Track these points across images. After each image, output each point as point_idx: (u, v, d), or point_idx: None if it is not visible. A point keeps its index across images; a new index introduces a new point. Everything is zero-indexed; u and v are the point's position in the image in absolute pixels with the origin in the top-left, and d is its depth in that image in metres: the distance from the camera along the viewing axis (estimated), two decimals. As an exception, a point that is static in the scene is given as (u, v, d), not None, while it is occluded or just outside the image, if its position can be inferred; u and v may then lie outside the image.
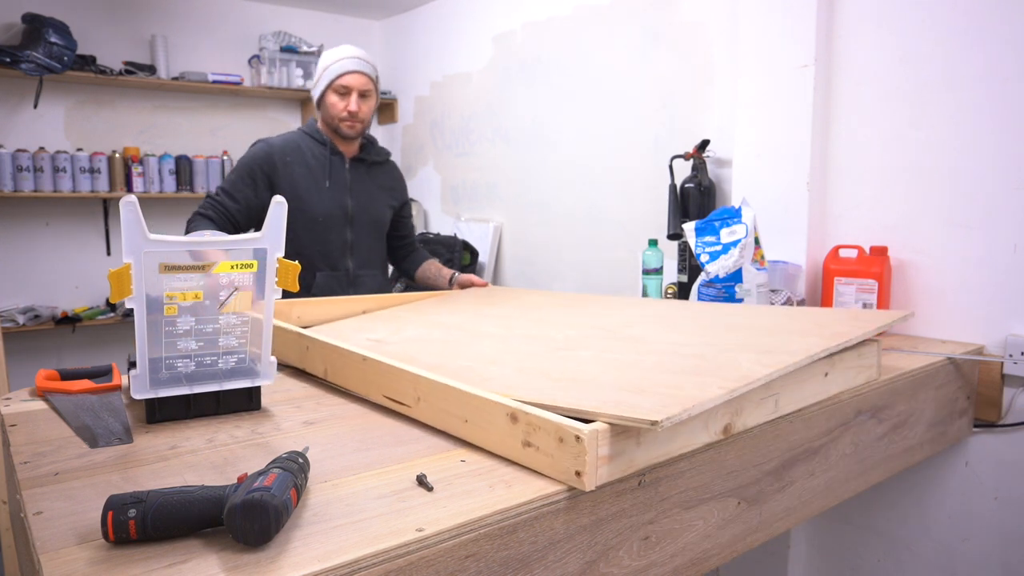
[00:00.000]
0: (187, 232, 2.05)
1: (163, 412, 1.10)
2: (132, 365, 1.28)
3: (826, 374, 1.23)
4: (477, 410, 0.98)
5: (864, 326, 1.27)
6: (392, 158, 2.42)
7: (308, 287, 2.17)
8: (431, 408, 1.07)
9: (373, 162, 2.29)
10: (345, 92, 2.12)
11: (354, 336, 1.52)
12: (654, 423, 0.82)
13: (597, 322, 1.51)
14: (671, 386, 0.98)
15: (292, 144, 2.17)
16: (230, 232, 2.08)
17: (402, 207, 2.40)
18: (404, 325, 1.65)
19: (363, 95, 2.15)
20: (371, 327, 1.65)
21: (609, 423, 0.86)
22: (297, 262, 1.10)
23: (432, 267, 2.38)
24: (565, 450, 0.85)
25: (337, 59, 2.13)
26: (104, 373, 1.31)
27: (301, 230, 2.13)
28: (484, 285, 2.19)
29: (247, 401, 1.17)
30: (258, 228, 1.05)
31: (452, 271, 2.32)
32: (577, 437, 0.83)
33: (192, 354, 1.06)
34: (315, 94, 2.19)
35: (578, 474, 0.84)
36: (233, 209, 2.11)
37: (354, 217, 2.24)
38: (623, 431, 0.87)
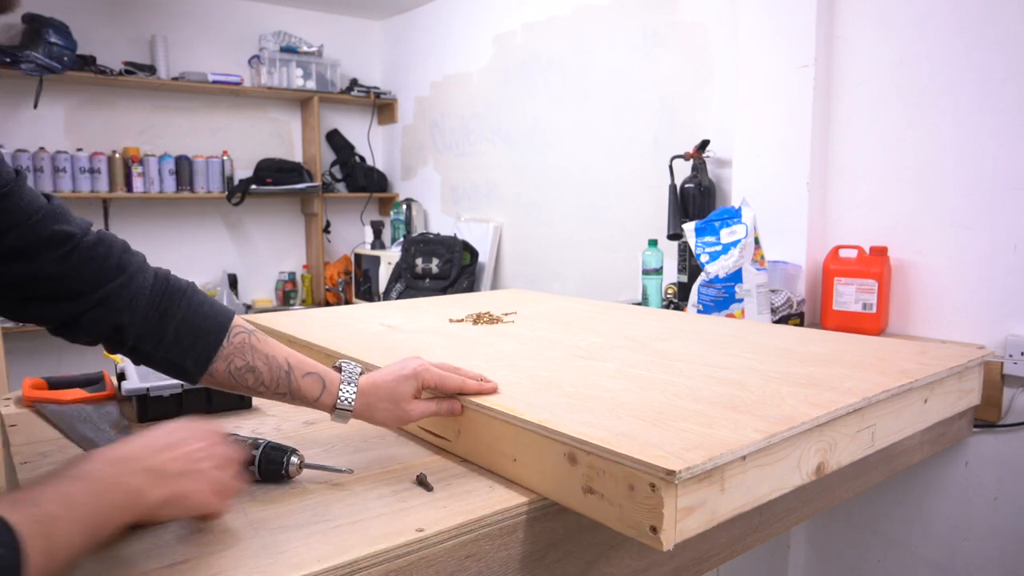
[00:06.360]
0: None
1: (154, 411, 1.10)
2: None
3: (926, 401, 1.12)
4: (527, 447, 0.84)
5: (933, 366, 1.13)
6: None
7: None
8: (474, 443, 0.92)
9: None
10: None
11: (368, 322, 1.52)
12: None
13: (626, 331, 1.43)
14: (700, 421, 0.84)
15: None
16: None
17: None
18: (423, 315, 1.63)
19: None
20: (388, 314, 1.64)
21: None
22: None
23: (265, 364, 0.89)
24: (636, 500, 0.72)
25: None
26: (96, 381, 1.25)
27: None
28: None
29: (238, 400, 1.16)
30: None
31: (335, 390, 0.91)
32: (652, 485, 0.70)
33: None
34: None
35: (654, 530, 0.71)
36: None
37: None
38: (706, 477, 0.73)
